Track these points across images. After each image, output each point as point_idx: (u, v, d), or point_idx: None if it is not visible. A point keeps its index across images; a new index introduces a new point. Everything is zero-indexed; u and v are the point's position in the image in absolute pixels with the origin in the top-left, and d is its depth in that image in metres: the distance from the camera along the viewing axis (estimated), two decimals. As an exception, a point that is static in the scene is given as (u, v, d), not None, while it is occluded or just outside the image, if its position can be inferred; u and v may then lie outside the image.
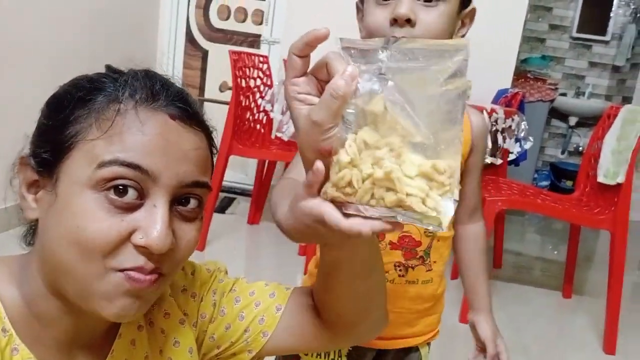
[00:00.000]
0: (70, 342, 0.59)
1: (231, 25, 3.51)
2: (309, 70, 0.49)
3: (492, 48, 3.07)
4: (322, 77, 0.48)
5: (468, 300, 1.05)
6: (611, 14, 4.64)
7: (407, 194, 0.45)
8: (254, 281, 0.74)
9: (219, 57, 3.53)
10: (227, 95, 3.45)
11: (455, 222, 1.01)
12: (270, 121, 2.89)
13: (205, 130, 0.59)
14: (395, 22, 0.82)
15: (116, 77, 0.56)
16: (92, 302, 0.53)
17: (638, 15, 4.47)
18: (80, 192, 0.52)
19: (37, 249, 0.57)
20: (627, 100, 4.34)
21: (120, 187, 0.51)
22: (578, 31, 4.69)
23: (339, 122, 0.46)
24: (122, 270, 0.52)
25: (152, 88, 0.55)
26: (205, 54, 3.58)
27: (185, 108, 0.56)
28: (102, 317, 0.54)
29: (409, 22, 0.81)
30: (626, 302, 2.19)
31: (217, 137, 0.64)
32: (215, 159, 0.62)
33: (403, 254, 0.94)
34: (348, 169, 0.46)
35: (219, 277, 0.74)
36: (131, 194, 0.52)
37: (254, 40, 3.49)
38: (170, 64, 3.55)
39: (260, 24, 3.47)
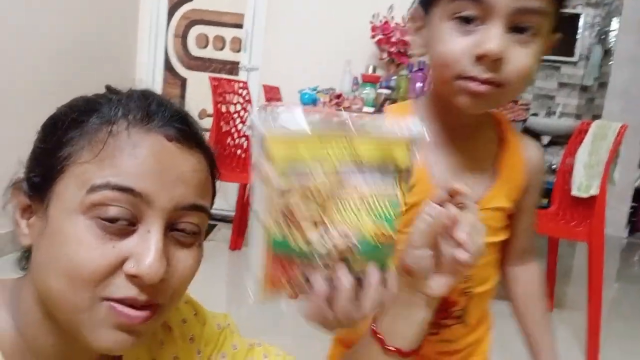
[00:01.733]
0: None
1: (209, 53, 3.55)
2: None
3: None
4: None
5: (530, 352, 0.91)
6: (577, 36, 4.82)
7: None
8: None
9: (198, 85, 3.55)
10: (207, 123, 3.46)
11: (504, 264, 0.89)
12: (250, 146, 2.92)
13: (205, 152, 0.56)
14: (481, 58, 0.64)
15: (112, 97, 0.54)
16: (82, 333, 0.50)
17: (603, 36, 4.65)
18: (71, 217, 0.49)
19: (30, 274, 0.55)
20: (596, 118, 4.48)
21: (112, 212, 0.49)
22: (546, 53, 4.86)
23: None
24: (113, 300, 0.49)
25: (148, 108, 0.53)
26: (183, 82, 3.60)
27: (182, 128, 0.53)
28: (95, 350, 0.51)
29: (497, 61, 0.64)
30: (606, 314, 2.23)
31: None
32: (216, 182, 0.59)
33: (436, 314, 0.79)
34: None
35: (230, 340, 0.69)
36: (124, 220, 0.49)
37: (232, 67, 3.53)
38: (149, 92, 3.55)
39: (239, 51, 3.51)
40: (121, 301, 0.49)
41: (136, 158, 0.50)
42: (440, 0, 0.68)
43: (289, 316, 2.28)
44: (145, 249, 0.49)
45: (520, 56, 0.65)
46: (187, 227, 0.53)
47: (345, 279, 0.50)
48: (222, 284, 2.61)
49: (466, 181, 0.77)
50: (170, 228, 0.52)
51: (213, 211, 0.58)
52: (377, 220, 0.49)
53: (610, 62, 4.39)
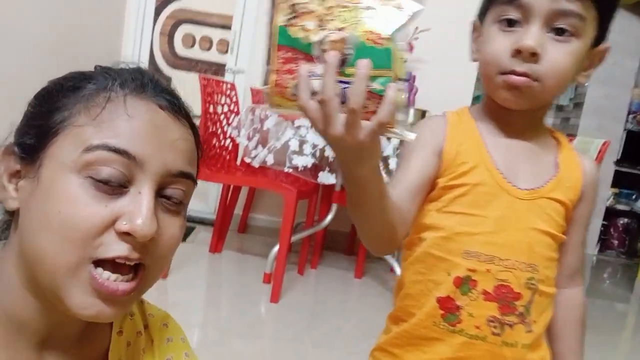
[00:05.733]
0: (43, 344, 0.56)
1: (196, 53, 3.52)
2: None
3: (449, 86, 3.22)
4: None
5: None
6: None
7: None
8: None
9: (182, 85, 3.50)
10: (189, 123, 3.44)
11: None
12: (235, 148, 2.90)
13: (192, 127, 0.60)
14: (518, 53, 0.72)
15: (107, 70, 0.57)
16: (61, 297, 0.50)
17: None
18: (65, 176, 0.50)
19: (13, 242, 0.55)
20: (571, 136, 4.59)
21: (106, 172, 0.50)
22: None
23: None
24: (103, 262, 0.50)
25: (141, 79, 0.56)
26: (168, 81, 3.57)
27: (172, 100, 0.57)
28: (76, 316, 0.51)
29: (533, 55, 0.71)
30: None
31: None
32: (199, 160, 0.62)
33: (499, 307, 0.78)
34: None
35: None
36: (117, 181, 0.51)
37: (218, 69, 3.51)
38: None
39: (225, 53, 3.49)
40: (112, 261, 0.50)
41: (132, 122, 0.52)
42: (490, 8, 0.77)
43: (267, 320, 2.26)
44: (137, 208, 0.51)
45: (556, 53, 0.72)
46: (174, 194, 0.55)
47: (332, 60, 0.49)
48: (202, 287, 2.57)
49: (527, 168, 0.81)
50: (159, 194, 0.54)
51: (192, 214, 0.60)
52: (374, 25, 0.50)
53: (586, 84, 4.52)
